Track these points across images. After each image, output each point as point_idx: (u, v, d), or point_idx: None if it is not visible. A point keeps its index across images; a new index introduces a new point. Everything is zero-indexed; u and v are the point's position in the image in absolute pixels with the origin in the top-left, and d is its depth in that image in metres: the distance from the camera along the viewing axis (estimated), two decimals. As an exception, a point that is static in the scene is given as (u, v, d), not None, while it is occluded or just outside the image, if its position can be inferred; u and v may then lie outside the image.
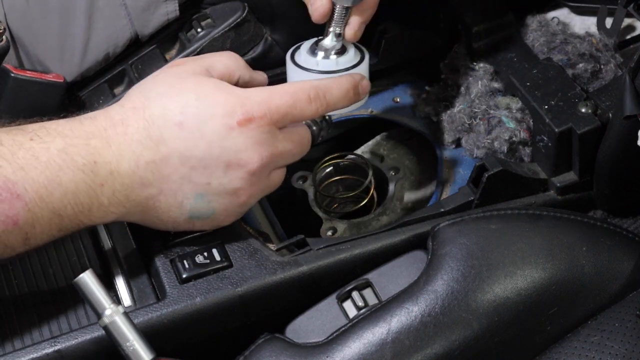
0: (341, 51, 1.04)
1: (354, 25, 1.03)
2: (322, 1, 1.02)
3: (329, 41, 1.04)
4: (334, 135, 1.25)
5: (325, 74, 1.02)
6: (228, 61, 1.01)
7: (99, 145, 0.90)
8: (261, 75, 1.07)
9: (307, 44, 1.06)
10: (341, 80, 1.00)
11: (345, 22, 1.03)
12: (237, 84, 1.01)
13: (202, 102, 0.93)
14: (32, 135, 0.89)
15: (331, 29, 1.03)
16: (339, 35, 1.03)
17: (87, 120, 0.92)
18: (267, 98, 0.94)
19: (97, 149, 0.90)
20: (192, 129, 0.92)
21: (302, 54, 1.05)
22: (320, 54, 1.04)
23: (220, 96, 0.93)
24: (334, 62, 1.03)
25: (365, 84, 1.03)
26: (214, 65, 0.99)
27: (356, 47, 1.06)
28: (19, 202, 0.85)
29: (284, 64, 1.17)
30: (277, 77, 1.18)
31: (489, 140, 1.11)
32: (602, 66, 1.13)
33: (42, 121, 0.92)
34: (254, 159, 0.93)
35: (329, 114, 1.03)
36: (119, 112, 0.93)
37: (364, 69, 1.05)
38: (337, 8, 1.02)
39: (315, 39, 1.05)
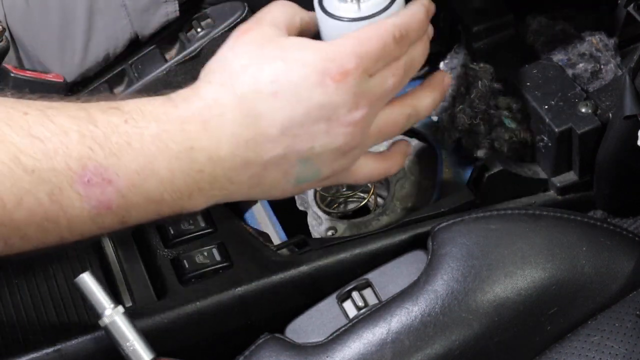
0: None
1: None
2: None
3: None
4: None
5: (358, 21, 0.93)
6: (284, 8, 0.96)
7: (195, 129, 0.86)
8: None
9: None
10: (414, 11, 0.94)
11: None
12: (299, 27, 0.97)
13: (292, 66, 0.88)
14: (127, 117, 0.85)
15: None
16: None
17: (181, 102, 0.88)
18: (357, 47, 0.89)
19: (193, 134, 0.86)
20: (288, 95, 0.87)
21: None
22: None
23: (308, 56, 0.89)
24: (371, 5, 0.94)
25: (432, 6, 0.96)
26: (276, 18, 0.94)
27: None
28: (110, 188, 0.82)
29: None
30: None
31: (489, 140, 1.11)
32: (602, 66, 1.13)
33: (141, 96, 0.89)
34: (354, 113, 0.89)
35: None
36: (209, 90, 0.88)
37: (398, 5, 0.96)
38: None
39: None
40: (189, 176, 0.85)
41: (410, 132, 1.21)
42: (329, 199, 1.19)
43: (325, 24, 0.96)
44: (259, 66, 0.88)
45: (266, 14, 0.95)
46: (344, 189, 1.20)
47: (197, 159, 0.85)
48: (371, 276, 0.98)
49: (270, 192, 0.92)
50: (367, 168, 0.97)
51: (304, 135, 0.88)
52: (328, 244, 1.00)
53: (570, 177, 1.09)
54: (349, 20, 0.94)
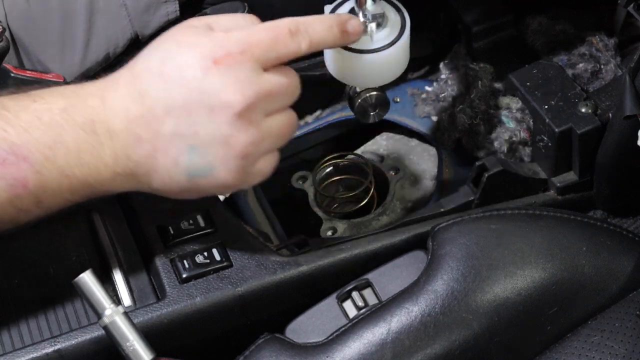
0: (379, 15, 0.97)
1: None
2: None
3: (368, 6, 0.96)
4: (334, 135, 1.25)
5: (362, 53, 0.97)
6: (236, 18, 0.97)
7: (96, 104, 0.90)
8: None
9: (346, 6, 0.99)
10: (323, 17, 0.96)
11: None
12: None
13: (183, 49, 0.91)
14: (35, 97, 0.90)
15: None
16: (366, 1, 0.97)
17: (88, 83, 0.93)
18: (246, 35, 0.91)
19: (94, 108, 0.90)
20: (172, 76, 0.90)
21: None
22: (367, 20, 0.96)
23: (201, 40, 0.91)
24: (373, 39, 0.97)
25: (355, 23, 0.96)
26: (218, 21, 0.95)
27: (394, 6, 0.99)
28: (25, 164, 0.86)
29: (283, 63, 1.17)
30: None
31: (488, 140, 1.11)
32: (602, 66, 1.13)
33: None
34: (236, 98, 0.89)
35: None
36: (115, 72, 0.93)
37: (403, 42, 0.98)
38: None
39: (353, 2, 0.98)
40: (93, 148, 0.89)
41: (410, 132, 1.21)
42: (329, 198, 1.19)
43: (350, 57, 0.98)
44: (156, 48, 0.92)
45: (213, 16, 0.97)
46: (344, 189, 1.20)
47: (98, 132, 0.89)
48: (371, 276, 0.98)
49: (167, 184, 0.91)
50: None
51: (187, 118, 0.89)
52: (328, 244, 1.00)
53: (570, 177, 1.09)
54: (347, 51, 0.96)
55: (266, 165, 0.93)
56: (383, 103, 1.03)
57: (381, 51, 0.97)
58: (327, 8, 1.01)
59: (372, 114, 1.03)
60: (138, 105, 0.90)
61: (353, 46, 0.97)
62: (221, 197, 1.08)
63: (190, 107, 0.89)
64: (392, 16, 0.98)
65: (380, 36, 0.97)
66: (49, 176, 0.87)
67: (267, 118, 0.91)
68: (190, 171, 0.90)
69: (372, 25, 0.97)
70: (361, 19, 0.97)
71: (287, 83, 0.92)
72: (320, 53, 1.15)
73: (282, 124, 0.93)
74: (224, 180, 0.91)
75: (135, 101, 0.90)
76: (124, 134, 0.89)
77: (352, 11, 0.98)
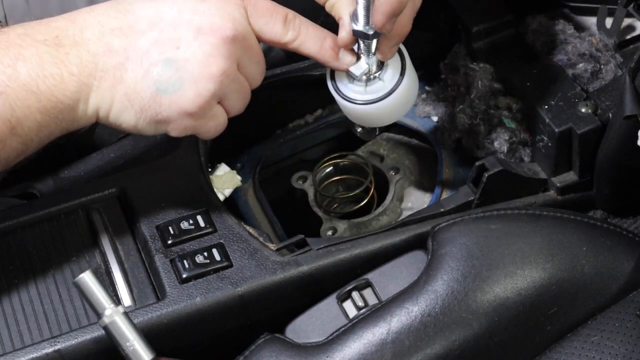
0: (380, 67, 1.00)
1: (382, 49, 0.98)
2: (344, 32, 0.97)
3: (361, 63, 0.99)
4: (334, 135, 1.25)
5: (360, 104, 1.00)
6: None
7: (62, 25, 0.91)
8: None
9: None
10: (325, 30, 0.98)
11: (374, 45, 0.98)
12: None
13: None
14: None
15: (361, 54, 0.98)
16: (370, 55, 0.99)
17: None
18: None
19: (59, 27, 0.90)
20: (163, 1, 0.91)
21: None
22: (355, 78, 1.00)
23: None
24: (373, 89, 1.00)
25: (350, 55, 0.98)
26: None
27: (399, 55, 1.01)
28: None
29: (283, 63, 1.17)
30: (277, 77, 1.18)
31: (489, 140, 1.11)
32: (602, 66, 1.13)
33: None
34: (228, 25, 0.90)
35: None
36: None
37: (400, 94, 1.00)
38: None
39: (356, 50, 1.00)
40: (57, 58, 0.88)
41: (410, 132, 1.21)
42: (329, 199, 1.19)
43: (336, 98, 1.02)
44: None
45: None
46: (344, 189, 1.20)
47: (63, 43, 0.89)
48: (371, 276, 0.98)
49: (131, 99, 0.90)
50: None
51: (171, 32, 0.90)
52: (328, 244, 1.00)
53: (570, 177, 1.09)
54: (350, 101, 1.00)
55: (220, 116, 0.94)
56: (370, 130, 1.11)
57: (373, 103, 1.00)
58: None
59: (357, 129, 1.10)
60: (118, 20, 0.90)
61: (351, 96, 1.00)
62: (221, 197, 1.08)
63: (179, 23, 0.90)
64: (390, 74, 1.00)
65: (376, 87, 1.00)
66: (15, 95, 0.86)
67: (239, 71, 0.93)
68: (159, 84, 0.90)
69: (374, 76, 1.00)
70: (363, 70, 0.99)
71: (261, 57, 0.95)
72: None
73: (245, 87, 0.95)
74: (188, 103, 0.91)
75: (115, 17, 0.91)
76: (95, 42, 0.89)
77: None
